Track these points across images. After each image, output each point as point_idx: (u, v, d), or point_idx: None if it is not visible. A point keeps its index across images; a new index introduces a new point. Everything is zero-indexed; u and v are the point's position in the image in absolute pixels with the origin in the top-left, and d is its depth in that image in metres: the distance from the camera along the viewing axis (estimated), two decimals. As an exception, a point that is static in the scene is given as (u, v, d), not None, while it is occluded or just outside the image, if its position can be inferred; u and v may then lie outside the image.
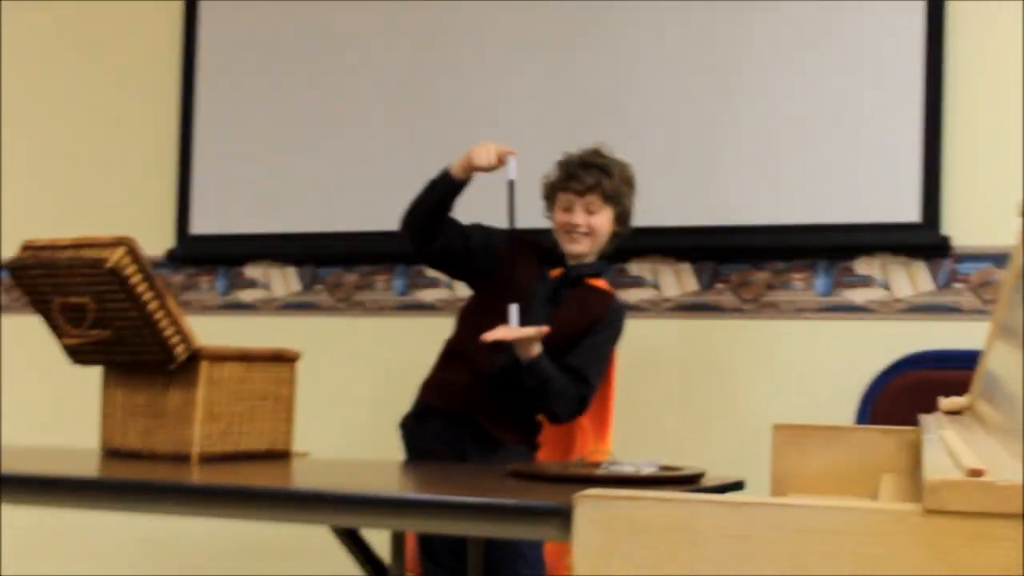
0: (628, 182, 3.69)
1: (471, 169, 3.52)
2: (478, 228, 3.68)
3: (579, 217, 3.62)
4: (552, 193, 3.70)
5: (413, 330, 4.63)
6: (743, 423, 4.17)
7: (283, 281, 4.88)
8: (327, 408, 4.61)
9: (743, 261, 4.26)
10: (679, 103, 4.32)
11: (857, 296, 4.14)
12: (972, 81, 4.05)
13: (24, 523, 4.86)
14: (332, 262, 4.79)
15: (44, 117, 5.30)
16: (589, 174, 3.62)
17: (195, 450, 3.25)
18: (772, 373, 4.20)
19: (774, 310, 4.21)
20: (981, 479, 1.46)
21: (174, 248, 4.99)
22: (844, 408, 4.01)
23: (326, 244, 4.78)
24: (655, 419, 4.28)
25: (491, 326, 3.42)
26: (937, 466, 1.62)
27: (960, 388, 2.77)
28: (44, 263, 3.26)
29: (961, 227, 4.03)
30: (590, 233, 3.63)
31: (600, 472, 2.87)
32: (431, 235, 3.61)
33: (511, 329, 3.41)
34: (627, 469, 2.86)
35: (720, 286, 4.29)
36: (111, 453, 3.40)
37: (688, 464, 3.06)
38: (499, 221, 3.57)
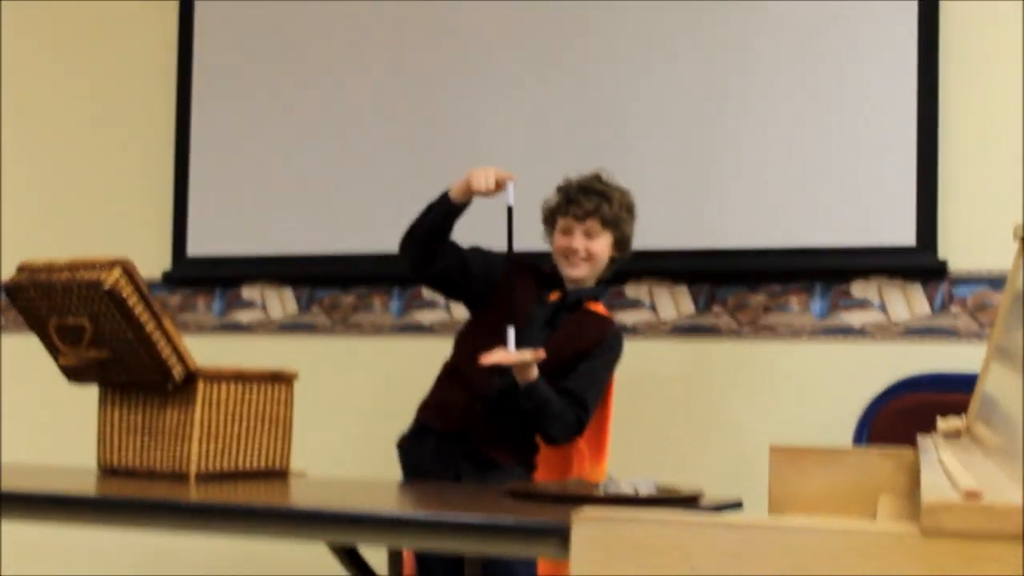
0: (628, 208, 3.69)
1: (470, 193, 3.53)
2: (477, 251, 3.68)
3: (578, 242, 3.63)
4: (552, 218, 3.71)
5: (410, 351, 4.63)
6: (741, 445, 4.17)
7: (280, 302, 4.88)
8: (324, 428, 4.61)
9: (740, 284, 4.27)
10: (675, 126, 4.33)
11: (854, 319, 4.14)
12: (967, 104, 4.07)
13: (23, 540, 4.85)
14: (329, 283, 4.80)
15: (40, 139, 5.30)
16: (589, 199, 3.63)
17: (193, 469, 3.25)
18: (769, 395, 4.20)
19: (771, 333, 4.22)
20: (978, 501, 1.47)
21: (171, 269, 4.99)
22: (842, 430, 4.02)
23: (323, 265, 4.78)
24: (653, 441, 4.28)
25: (489, 348, 3.42)
26: (934, 488, 1.63)
27: (957, 411, 2.77)
28: (41, 285, 3.26)
29: (957, 250, 4.04)
30: (589, 258, 3.64)
31: (599, 493, 2.86)
32: (430, 258, 3.61)
33: (508, 353, 3.41)
34: (625, 489, 2.86)
35: (717, 309, 4.29)
36: (108, 471, 3.40)
37: (686, 485, 3.06)
38: (497, 245, 3.57)
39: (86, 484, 3.20)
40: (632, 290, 4.37)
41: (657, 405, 4.31)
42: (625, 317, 4.30)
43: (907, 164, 4.06)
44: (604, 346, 3.63)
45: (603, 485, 2.92)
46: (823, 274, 4.17)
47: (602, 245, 3.64)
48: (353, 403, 4.73)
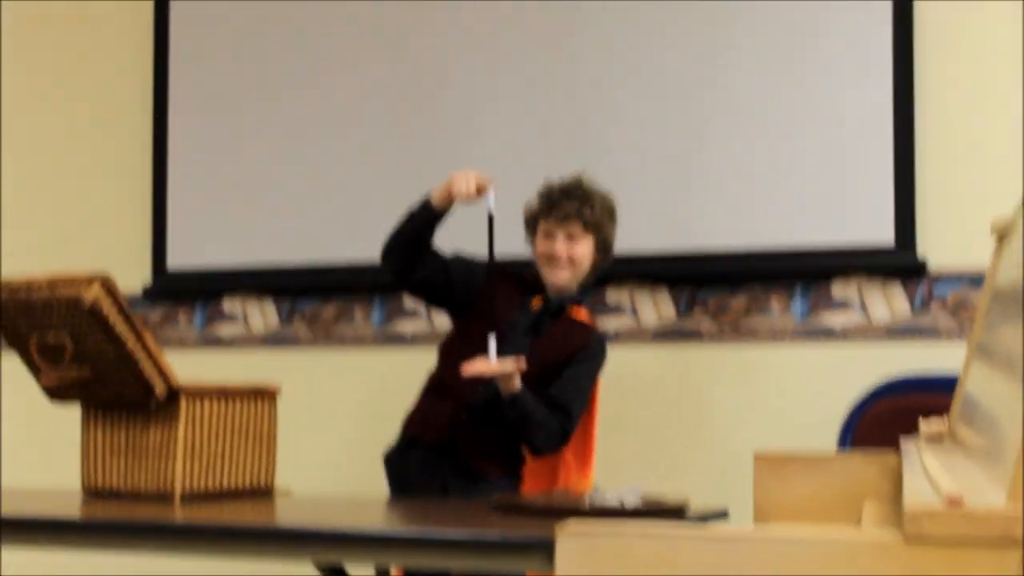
0: (610, 212, 3.69)
1: (451, 199, 3.52)
2: (459, 259, 3.68)
3: (560, 246, 3.63)
4: (533, 222, 3.71)
5: (392, 362, 4.63)
6: (723, 449, 4.17)
7: (261, 315, 4.87)
8: (307, 442, 4.60)
9: (720, 286, 4.27)
10: (655, 130, 4.33)
11: (834, 321, 4.15)
12: (942, 103, 4.08)
13: (8, 564, 4.83)
14: (310, 294, 4.79)
15: (15, 153, 5.28)
16: (570, 203, 3.63)
17: (177, 488, 3.24)
18: (751, 399, 4.21)
19: (752, 336, 4.22)
20: (960, 508, 1.47)
21: (151, 284, 4.98)
22: (826, 432, 4.02)
23: (304, 276, 4.77)
24: (635, 446, 4.28)
25: (472, 358, 3.42)
26: (916, 494, 1.63)
27: (940, 412, 2.78)
28: (20, 303, 3.25)
29: (936, 249, 4.05)
30: (571, 262, 3.63)
31: (584, 505, 2.86)
32: (412, 265, 3.61)
33: (489, 363, 3.40)
34: (611, 501, 2.85)
35: (698, 312, 4.29)
36: (93, 493, 3.38)
37: (669, 492, 3.05)
38: (479, 250, 3.57)
39: (71, 507, 3.19)
40: (613, 295, 4.37)
41: (640, 410, 4.31)
42: (606, 323, 4.30)
43: (884, 164, 4.07)
44: (587, 353, 3.63)
45: (589, 497, 2.91)
46: (803, 275, 4.18)
47: (584, 249, 3.64)
48: (336, 415, 4.72)
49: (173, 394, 3.26)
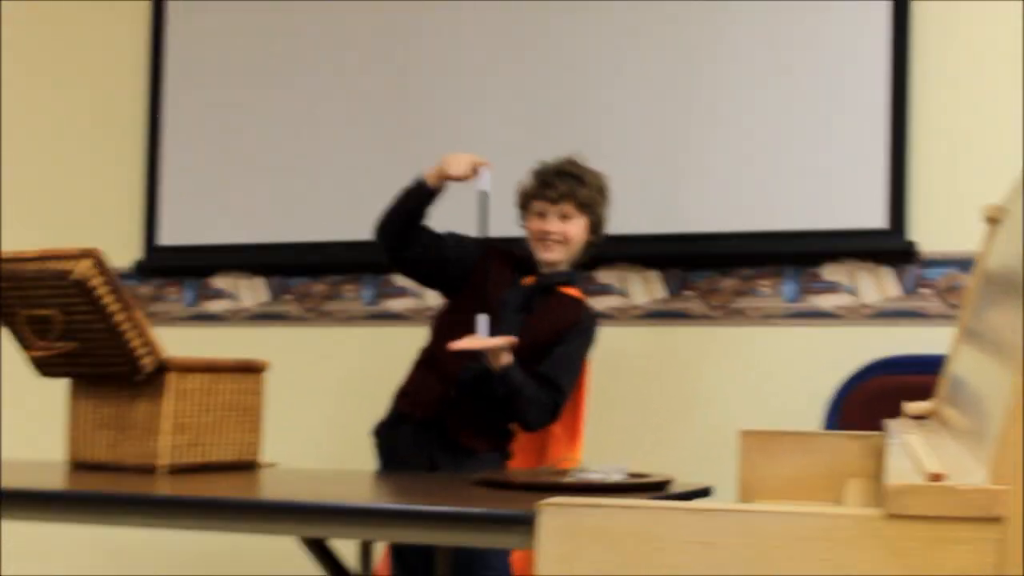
0: (602, 191, 3.70)
1: (444, 178, 3.54)
2: (452, 237, 3.69)
3: (553, 225, 3.64)
4: (526, 201, 3.72)
5: (382, 339, 4.62)
6: (712, 429, 4.17)
7: (251, 291, 4.86)
8: (295, 418, 4.60)
9: (711, 268, 4.27)
10: (646, 111, 4.33)
11: (824, 302, 4.15)
12: (936, 87, 4.07)
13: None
14: (300, 272, 4.78)
15: (9, 129, 5.27)
16: (563, 182, 3.64)
17: (162, 462, 3.24)
18: (740, 379, 4.21)
19: (742, 317, 4.22)
20: (942, 483, 1.47)
21: (141, 259, 4.97)
22: (813, 413, 4.03)
23: (294, 254, 4.77)
24: (624, 426, 4.28)
25: (464, 335, 3.43)
26: (899, 471, 1.63)
27: (927, 393, 2.78)
28: (9, 275, 3.24)
29: (927, 233, 4.05)
30: (564, 241, 3.64)
31: (568, 480, 2.86)
32: (405, 243, 3.62)
33: (479, 339, 3.41)
34: (595, 476, 2.86)
35: (688, 293, 4.29)
36: (78, 465, 3.38)
37: (657, 470, 3.06)
38: (472, 230, 3.57)
39: (55, 479, 3.19)
40: (604, 275, 4.37)
41: (629, 390, 4.31)
42: (597, 302, 4.29)
43: (877, 147, 4.07)
44: (578, 329, 3.64)
45: (572, 472, 2.92)
46: (794, 257, 4.18)
47: (577, 228, 3.65)
48: (325, 392, 4.72)
49: (161, 368, 3.26)
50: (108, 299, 3.18)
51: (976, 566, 1.45)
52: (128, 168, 5.05)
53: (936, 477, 1.48)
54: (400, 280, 4.58)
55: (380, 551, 3.59)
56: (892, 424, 2.54)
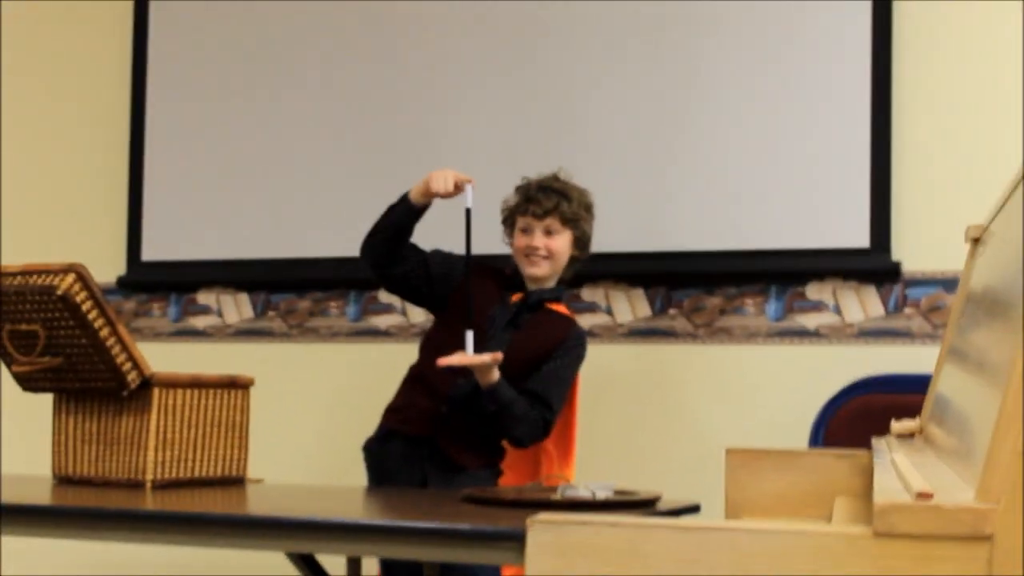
0: (587, 207, 3.71)
1: (429, 195, 3.54)
2: (437, 254, 3.69)
3: (538, 240, 3.64)
4: (511, 217, 3.72)
5: (366, 356, 4.62)
6: (697, 447, 4.18)
7: (235, 307, 4.86)
8: (281, 434, 4.60)
9: (695, 286, 4.28)
10: (631, 130, 4.34)
11: (809, 321, 4.16)
12: (919, 107, 4.09)
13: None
14: (285, 288, 4.78)
15: (-5, 144, 5.27)
16: (548, 198, 3.64)
17: (149, 477, 3.23)
18: (725, 398, 4.22)
19: (727, 335, 4.23)
20: (930, 502, 1.47)
21: (125, 275, 4.96)
22: (798, 432, 4.03)
23: (279, 270, 4.76)
24: (610, 444, 4.29)
25: (452, 352, 3.43)
26: (887, 489, 1.64)
27: (912, 412, 2.79)
28: (-6, 290, 3.23)
29: (911, 252, 4.07)
30: (549, 256, 3.65)
31: (555, 497, 2.87)
32: (391, 260, 3.62)
33: (465, 356, 3.42)
34: (583, 493, 2.86)
35: (673, 311, 4.30)
36: (63, 480, 3.37)
37: (644, 488, 3.06)
38: (457, 247, 3.57)
39: (41, 494, 3.18)
40: (588, 293, 4.38)
41: (614, 409, 4.32)
42: (582, 320, 4.29)
43: (861, 167, 4.08)
44: (567, 346, 3.64)
45: (560, 489, 2.92)
46: (778, 276, 4.19)
47: (562, 243, 3.66)
48: (310, 409, 4.71)
49: (146, 384, 3.26)
50: (93, 314, 3.18)
51: (964, 585, 1.46)
52: (112, 183, 5.05)
53: (924, 496, 1.49)
54: (385, 297, 4.58)
55: (368, 567, 3.58)
56: (879, 442, 2.54)
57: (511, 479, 3.67)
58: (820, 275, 4.15)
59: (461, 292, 3.60)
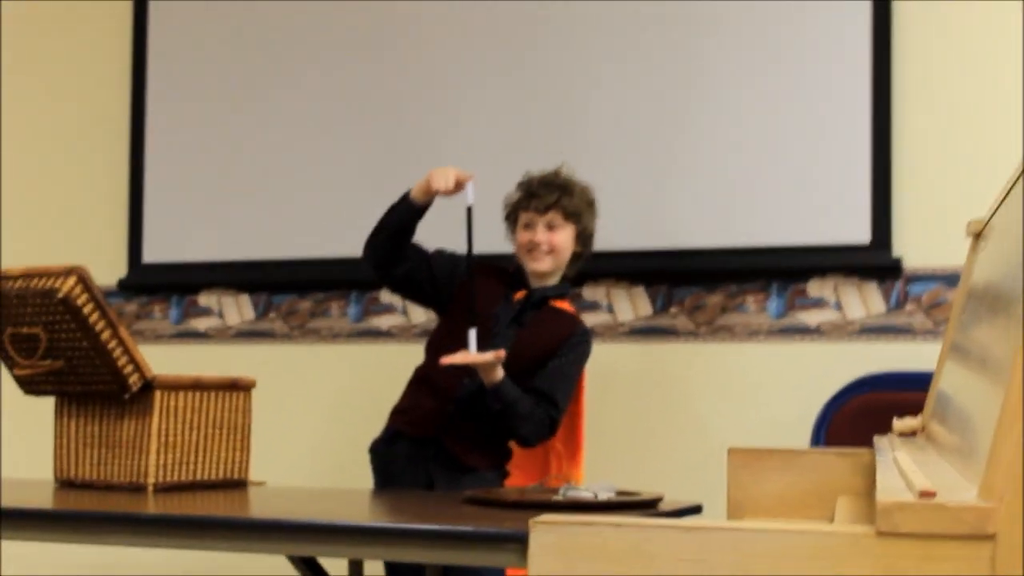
0: (589, 202, 3.71)
1: (431, 193, 3.53)
2: (441, 253, 3.69)
3: (541, 235, 3.64)
4: (513, 213, 3.72)
5: (368, 357, 4.62)
6: (699, 445, 4.18)
7: (237, 309, 4.86)
8: (283, 436, 4.60)
9: (696, 284, 4.28)
10: (632, 129, 4.34)
11: (810, 318, 4.16)
12: (920, 102, 4.09)
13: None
14: (286, 289, 4.78)
15: (-5, 147, 5.27)
16: (550, 193, 3.64)
17: (150, 480, 3.23)
18: (727, 396, 4.21)
19: (728, 333, 4.23)
20: (932, 501, 1.47)
21: (126, 277, 4.96)
22: (799, 430, 4.03)
23: (280, 271, 4.76)
24: (612, 443, 4.28)
25: (457, 351, 3.42)
26: (889, 488, 1.63)
27: (914, 409, 2.78)
28: (-5, 294, 3.23)
29: (912, 248, 4.06)
30: (552, 251, 3.64)
31: (558, 498, 2.86)
32: (394, 260, 3.61)
33: (468, 354, 3.41)
34: (585, 494, 2.86)
35: (674, 310, 4.30)
36: (65, 484, 3.37)
37: (646, 487, 3.06)
38: (459, 245, 3.57)
39: (43, 497, 3.17)
40: (589, 292, 4.38)
41: (616, 408, 4.31)
42: (583, 318, 4.30)
43: (861, 163, 4.08)
44: (571, 343, 3.63)
45: (562, 490, 2.92)
46: (779, 273, 4.18)
47: (565, 237, 3.65)
48: (312, 410, 4.71)
49: (147, 386, 3.25)
50: (94, 317, 3.17)
51: (967, 584, 1.46)
52: (112, 185, 5.05)
53: (927, 495, 1.48)
54: (387, 297, 4.58)
55: (370, 570, 3.58)
56: (881, 441, 2.54)
57: (521, 479, 3.66)
58: (821, 272, 4.15)
59: (464, 291, 3.59)
